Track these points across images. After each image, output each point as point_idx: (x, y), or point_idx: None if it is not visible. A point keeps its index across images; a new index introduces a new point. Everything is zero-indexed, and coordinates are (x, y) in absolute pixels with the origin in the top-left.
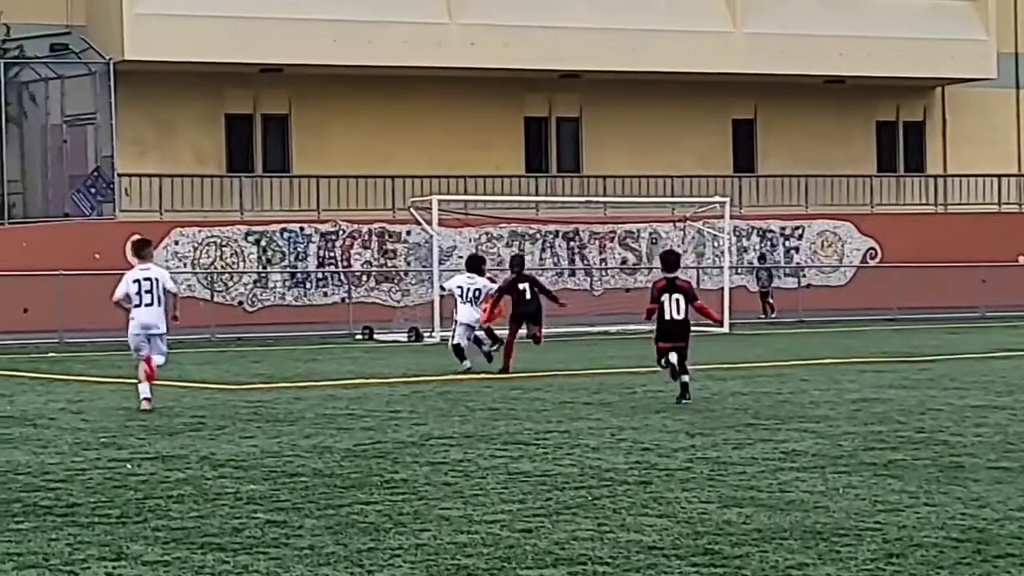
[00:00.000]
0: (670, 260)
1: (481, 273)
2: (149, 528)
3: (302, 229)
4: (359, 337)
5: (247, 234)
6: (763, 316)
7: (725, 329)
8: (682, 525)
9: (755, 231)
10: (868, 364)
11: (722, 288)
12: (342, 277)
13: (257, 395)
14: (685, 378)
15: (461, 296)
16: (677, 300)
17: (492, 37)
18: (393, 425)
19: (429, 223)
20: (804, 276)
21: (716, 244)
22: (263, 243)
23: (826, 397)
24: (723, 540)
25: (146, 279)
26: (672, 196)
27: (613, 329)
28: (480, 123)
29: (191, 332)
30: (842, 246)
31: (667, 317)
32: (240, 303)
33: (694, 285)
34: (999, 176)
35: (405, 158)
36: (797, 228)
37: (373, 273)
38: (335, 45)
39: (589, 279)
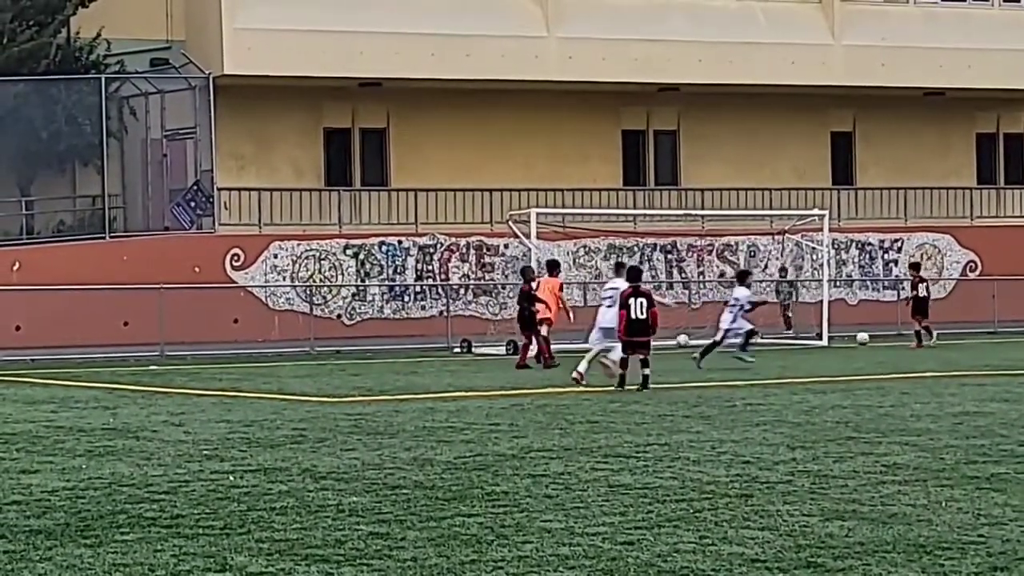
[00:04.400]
0: (634, 273)
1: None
2: (252, 539)
3: (400, 242)
4: (457, 350)
5: (346, 247)
6: (786, 329)
7: (824, 342)
8: (784, 538)
9: (854, 244)
10: (969, 377)
11: (820, 301)
12: (440, 290)
13: (357, 408)
14: (646, 371)
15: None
16: (640, 303)
17: (589, 51)
18: (493, 438)
19: (527, 236)
20: (903, 289)
21: (815, 257)
22: (361, 256)
23: (927, 410)
24: (825, 553)
25: None
26: (770, 209)
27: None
28: (578, 136)
29: (291, 345)
30: (942, 259)
31: (633, 317)
32: (339, 316)
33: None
34: None
35: (502, 172)
36: (896, 241)
37: (471, 286)
38: (433, 59)
39: (687, 292)
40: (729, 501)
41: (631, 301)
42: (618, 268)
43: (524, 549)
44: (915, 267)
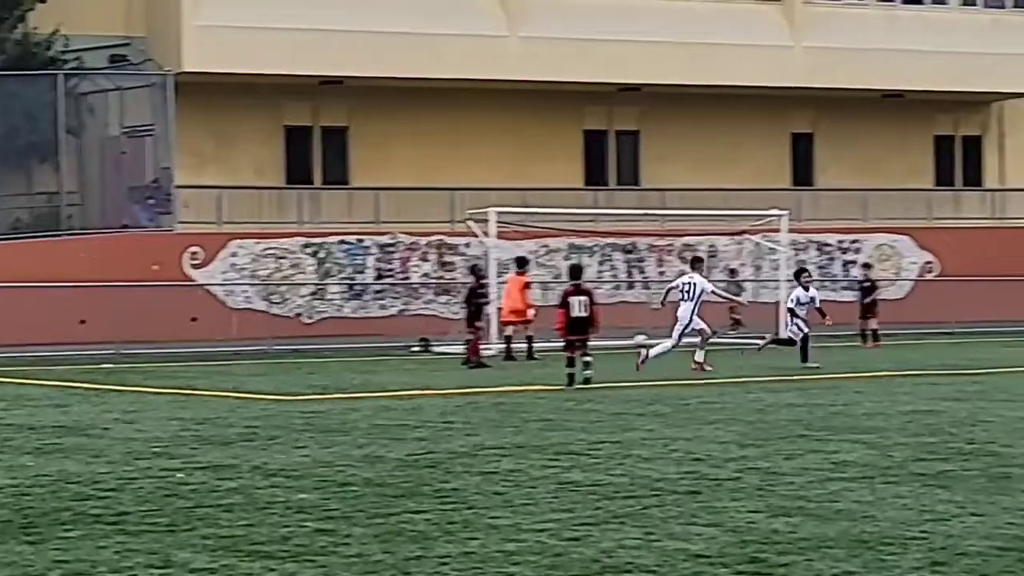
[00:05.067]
0: (575, 271)
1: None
2: (198, 536)
3: (360, 241)
4: (416, 349)
5: (305, 246)
6: (732, 331)
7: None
8: (729, 534)
9: (812, 244)
10: (923, 377)
11: (778, 302)
12: (400, 289)
13: (312, 406)
14: (589, 371)
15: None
16: (581, 301)
17: (552, 50)
18: (446, 436)
19: (487, 235)
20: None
21: (773, 257)
22: (321, 255)
23: (879, 409)
24: (769, 549)
25: None
26: (730, 209)
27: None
28: (539, 136)
29: (249, 344)
30: (900, 260)
31: (573, 314)
32: (298, 315)
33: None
34: None
35: (464, 170)
36: (855, 242)
37: (431, 285)
38: (395, 58)
39: (647, 292)
40: (677, 498)
41: (571, 299)
42: (694, 263)
43: (470, 545)
44: (867, 267)
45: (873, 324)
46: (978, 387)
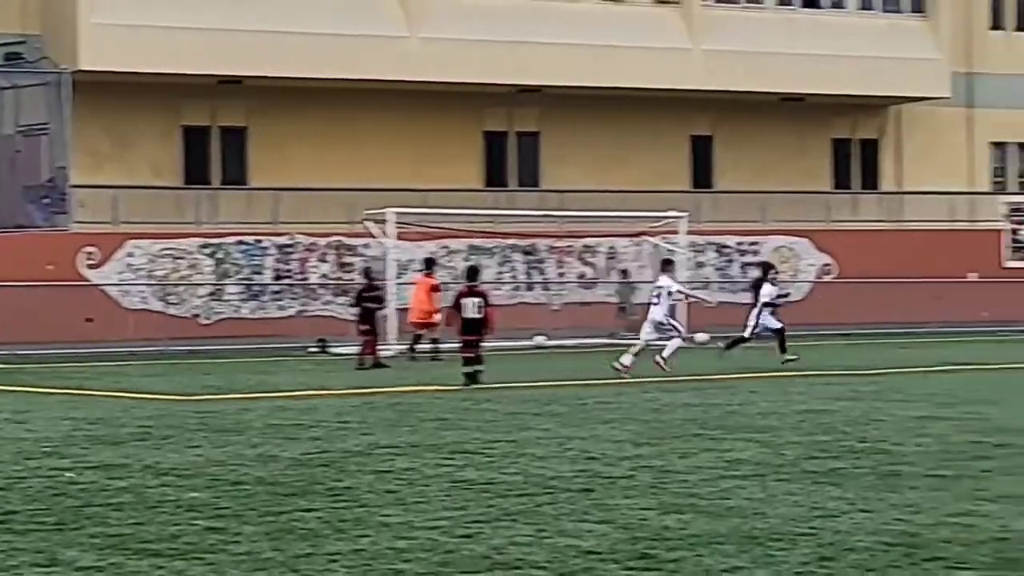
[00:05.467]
0: (472, 272)
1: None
2: (85, 535)
3: (258, 242)
4: (313, 350)
5: (203, 246)
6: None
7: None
8: (620, 531)
9: (712, 246)
10: (818, 377)
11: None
12: (298, 290)
13: (206, 406)
14: (480, 368)
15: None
16: (474, 303)
17: (452, 51)
18: (341, 435)
19: (385, 236)
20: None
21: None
22: (219, 255)
23: (774, 408)
24: (660, 545)
25: None
26: (630, 211)
27: (570, 342)
28: (439, 137)
29: (145, 344)
30: (798, 262)
31: (466, 316)
32: (195, 316)
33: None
34: (951, 193)
35: (364, 171)
36: (753, 244)
37: (330, 286)
38: (294, 58)
39: (547, 293)
40: (570, 496)
41: (464, 300)
42: (664, 266)
43: (361, 543)
44: (767, 268)
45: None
46: (873, 387)
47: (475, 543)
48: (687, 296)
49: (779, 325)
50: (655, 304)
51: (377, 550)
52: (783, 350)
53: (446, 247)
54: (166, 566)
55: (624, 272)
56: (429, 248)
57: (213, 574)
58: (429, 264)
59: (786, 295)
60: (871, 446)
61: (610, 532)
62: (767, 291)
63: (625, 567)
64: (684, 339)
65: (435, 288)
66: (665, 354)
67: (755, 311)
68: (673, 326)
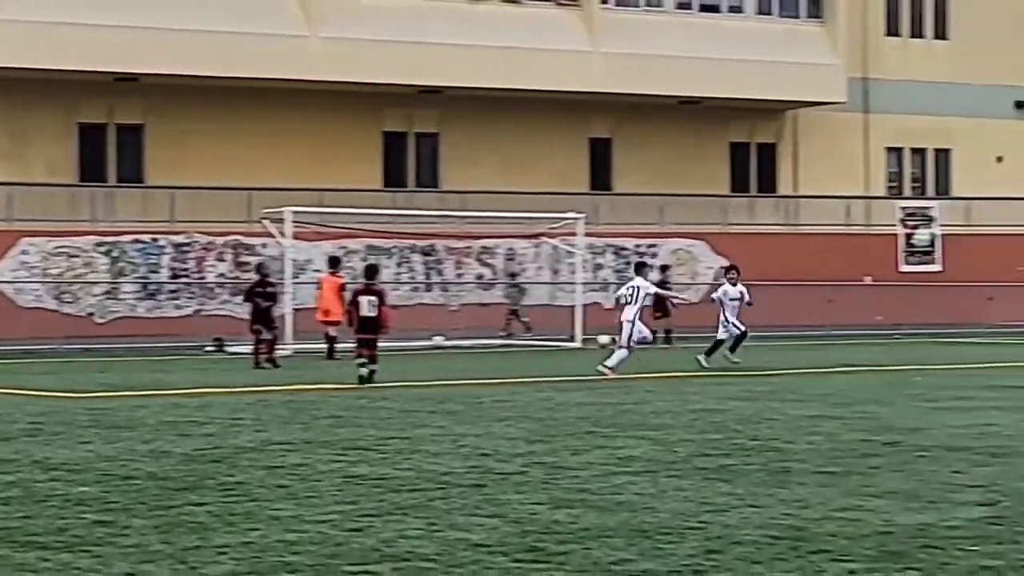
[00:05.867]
0: (369, 271)
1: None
2: None
3: (155, 240)
4: (210, 349)
5: (98, 244)
6: (503, 334)
7: (577, 344)
8: (510, 525)
9: (610, 248)
10: (713, 377)
11: (574, 305)
12: (195, 289)
13: (100, 403)
14: (374, 367)
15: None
16: (370, 301)
17: (352, 51)
18: (234, 431)
19: (283, 235)
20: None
21: (570, 260)
22: (115, 254)
23: (668, 407)
24: (549, 538)
25: None
26: (529, 212)
27: (467, 343)
28: (339, 137)
29: (39, 343)
30: (695, 264)
31: (362, 314)
32: (90, 314)
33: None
34: (847, 198)
35: (262, 170)
36: (652, 246)
37: (227, 286)
38: (192, 56)
39: (445, 294)
40: (462, 491)
41: (361, 299)
42: (638, 268)
43: (250, 536)
44: (665, 269)
45: (665, 325)
46: (767, 388)
47: (365, 536)
48: (664, 296)
49: (742, 329)
50: (627, 304)
51: (267, 543)
52: (732, 349)
53: (344, 247)
54: (52, 558)
55: (513, 275)
56: (326, 248)
57: (100, 566)
58: (335, 263)
59: (740, 297)
60: (762, 444)
61: (500, 526)
62: (725, 290)
63: (514, 560)
64: (643, 345)
65: (342, 287)
66: (611, 363)
67: (724, 313)
68: (640, 331)
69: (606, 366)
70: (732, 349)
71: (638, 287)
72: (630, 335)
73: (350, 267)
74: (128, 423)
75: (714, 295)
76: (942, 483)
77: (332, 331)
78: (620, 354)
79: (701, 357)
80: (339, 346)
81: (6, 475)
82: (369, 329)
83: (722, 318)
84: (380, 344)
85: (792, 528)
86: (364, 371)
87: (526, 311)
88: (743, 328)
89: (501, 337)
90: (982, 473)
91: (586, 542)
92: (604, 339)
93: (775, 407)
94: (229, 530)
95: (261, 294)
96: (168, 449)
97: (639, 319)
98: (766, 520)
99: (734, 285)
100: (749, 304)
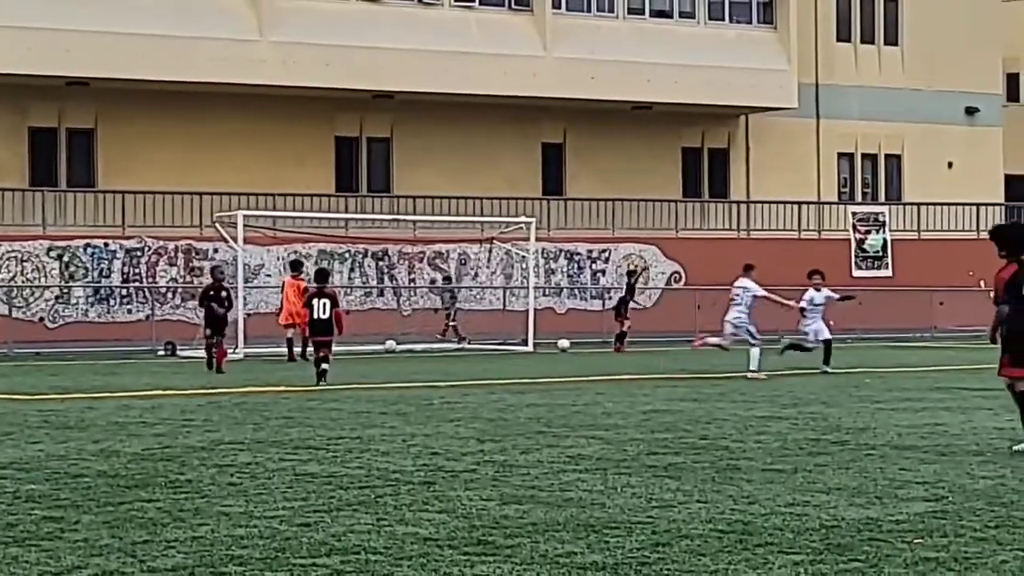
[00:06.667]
0: (320, 275)
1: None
2: None
3: (106, 245)
4: (161, 353)
5: (49, 249)
6: (441, 337)
7: (530, 348)
8: (460, 520)
9: (562, 253)
10: (664, 380)
11: (527, 310)
12: (147, 294)
13: (50, 405)
14: (326, 366)
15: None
16: (324, 304)
17: (304, 56)
18: (184, 432)
19: (235, 239)
20: (610, 298)
21: (523, 265)
22: (66, 258)
23: (618, 408)
24: (498, 532)
25: None
26: (481, 217)
27: (419, 347)
28: (291, 141)
29: None
30: (630, 265)
31: (315, 317)
32: (41, 319)
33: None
34: (798, 203)
35: (214, 175)
36: (604, 251)
37: (179, 290)
38: (144, 60)
39: (397, 298)
40: (412, 488)
41: (315, 302)
42: (746, 269)
43: (199, 531)
44: (631, 274)
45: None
46: (718, 390)
47: (314, 531)
48: (772, 299)
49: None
50: (736, 304)
51: (216, 537)
52: (783, 351)
53: (296, 252)
54: (1, 552)
55: (447, 278)
56: (279, 253)
57: (49, 560)
58: (296, 267)
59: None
60: (711, 443)
61: (449, 521)
62: (811, 296)
63: (462, 552)
64: (760, 344)
65: (304, 290)
66: (753, 367)
67: (806, 320)
68: (749, 331)
69: (751, 370)
70: (783, 351)
71: (745, 287)
72: (751, 333)
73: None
74: (78, 424)
75: (802, 303)
76: (888, 479)
77: (290, 333)
78: (754, 353)
79: (826, 367)
80: (297, 349)
81: None
82: (323, 331)
83: (806, 323)
84: (333, 348)
85: (739, 523)
86: (318, 369)
87: (456, 315)
88: (829, 336)
89: (437, 340)
90: (928, 470)
91: (534, 536)
92: (564, 343)
93: (725, 408)
94: (178, 525)
95: (215, 298)
96: (118, 449)
97: (749, 318)
98: (713, 515)
99: (819, 291)
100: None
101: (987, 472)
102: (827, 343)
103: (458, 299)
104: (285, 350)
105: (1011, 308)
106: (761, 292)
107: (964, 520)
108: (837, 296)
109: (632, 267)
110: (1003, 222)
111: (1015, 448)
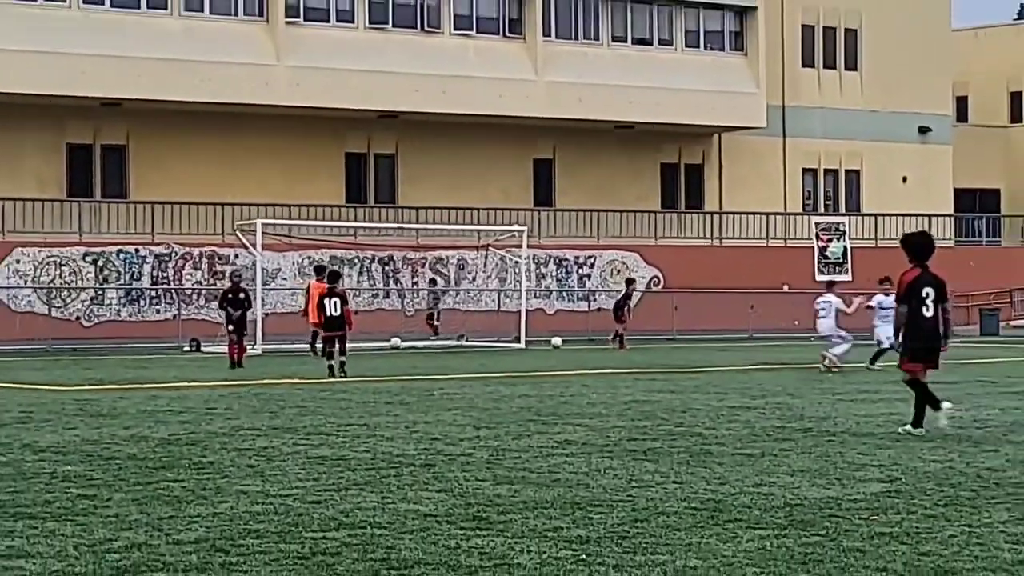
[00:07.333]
0: (332, 276)
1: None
2: None
3: (137, 251)
4: (187, 349)
5: (85, 255)
6: (435, 336)
7: (522, 345)
8: (456, 498)
9: (552, 259)
10: (644, 374)
11: (519, 310)
12: (174, 295)
13: (85, 395)
14: (343, 358)
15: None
16: (335, 303)
17: (316, 79)
18: (207, 419)
19: (254, 246)
20: (595, 300)
21: (516, 270)
22: (100, 263)
23: (602, 399)
24: (491, 509)
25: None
26: (478, 226)
27: (421, 344)
28: (305, 157)
29: (29, 343)
30: (629, 274)
31: (328, 314)
32: (77, 318)
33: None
34: (767, 214)
35: (235, 187)
36: (589, 257)
37: (203, 292)
38: (171, 83)
39: (401, 300)
40: (413, 469)
41: (327, 301)
42: (829, 286)
43: (220, 508)
44: (630, 282)
45: (620, 329)
46: (693, 383)
47: (324, 508)
48: (847, 311)
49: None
50: (822, 317)
51: (235, 513)
52: (872, 361)
53: (309, 257)
54: (39, 526)
55: (432, 281)
56: (294, 258)
57: (83, 533)
58: (320, 271)
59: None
60: (687, 430)
61: (447, 499)
62: (880, 300)
63: (459, 527)
64: (850, 341)
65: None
66: (837, 351)
67: (880, 324)
68: (840, 335)
69: (835, 357)
70: (876, 358)
71: (830, 302)
72: (843, 336)
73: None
74: (111, 412)
75: (870, 303)
76: (847, 463)
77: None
78: (843, 348)
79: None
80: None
81: None
82: (335, 327)
83: (878, 327)
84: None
85: (711, 501)
86: (334, 362)
87: (440, 315)
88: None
89: (432, 339)
90: (883, 454)
91: (524, 513)
92: (557, 341)
93: (699, 399)
94: (201, 503)
95: (232, 301)
96: (147, 434)
97: (837, 323)
98: (688, 494)
99: (887, 296)
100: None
101: (937, 456)
102: (887, 348)
103: (441, 300)
104: (298, 346)
105: (910, 310)
106: (841, 305)
107: (915, 499)
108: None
109: (631, 276)
110: (911, 232)
111: (902, 429)
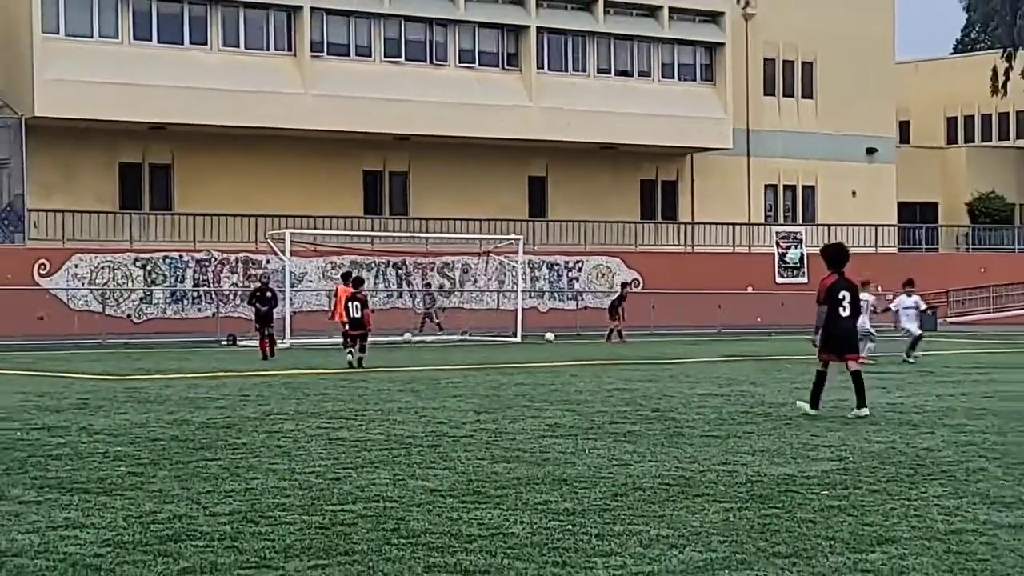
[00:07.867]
0: (356, 282)
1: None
2: (29, 478)
3: (181, 257)
4: (224, 343)
5: (135, 260)
6: (419, 331)
7: (518, 340)
8: (459, 475)
9: (544, 264)
10: (627, 365)
11: (516, 309)
12: (213, 296)
13: (134, 383)
14: (363, 355)
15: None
16: (356, 306)
17: (338, 105)
18: (242, 405)
19: (283, 252)
20: (583, 300)
21: (513, 273)
22: (148, 268)
23: (588, 387)
24: (489, 485)
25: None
26: (480, 235)
27: (430, 339)
28: (327, 174)
29: (86, 338)
30: (612, 276)
31: (351, 316)
32: (128, 316)
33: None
34: (733, 224)
35: (266, 201)
36: (578, 262)
37: (239, 293)
38: (211, 108)
39: (413, 300)
40: (421, 450)
41: (351, 304)
42: (863, 285)
43: (252, 483)
44: (625, 285)
45: (614, 325)
46: (668, 373)
47: (343, 484)
48: (884, 309)
49: (914, 333)
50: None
51: (264, 488)
52: (909, 353)
53: (332, 262)
54: (92, 500)
55: (427, 284)
56: (318, 263)
57: (131, 505)
58: (346, 277)
59: (915, 306)
60: (662, 414)
61: (450, 476)
62: (900, 300)
63: (461, 500)
64: (876, 339)
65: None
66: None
67: (905, 320)
68: (870, 333)
69: (868, 351)
70: (912, 348)
71: (867, 300)
72: (871, 335)
73: (337, 279)
74: (157, 399)
75: (891, 305)
76: (802, 444)
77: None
78: (870, 346)
79: (907, 355)
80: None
81: (58, 438)
82: (357, 327)
83: (901, 324)
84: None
85: (682, 478)
86: (352, 358)
87: (439, 313)
88: (919, 332)
89: (413, 334)
90: (833, 436)
91: (518, 488)
92: (549, 336)
93: (673, 387)
94: (235, 479)
95: (260, 299)
96: (188, 418)
97: (869, 322)
98: (662, 472)
99: (909, 296)
100: (925, 311)
101: (880, 438)
102: (917, 338)
103: (437, 301)
104: (323, 341)
105: (828, 310)
106: (872, 303)
107: (861, 476)
108: (924, 306)
109: (625, 280)
110: (828, 243)
111: (797, 404)
